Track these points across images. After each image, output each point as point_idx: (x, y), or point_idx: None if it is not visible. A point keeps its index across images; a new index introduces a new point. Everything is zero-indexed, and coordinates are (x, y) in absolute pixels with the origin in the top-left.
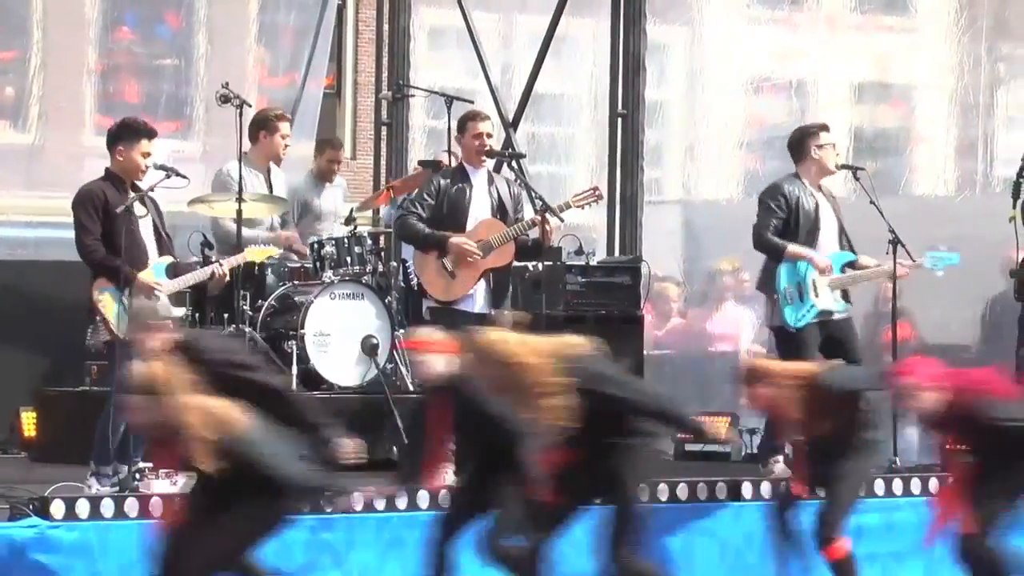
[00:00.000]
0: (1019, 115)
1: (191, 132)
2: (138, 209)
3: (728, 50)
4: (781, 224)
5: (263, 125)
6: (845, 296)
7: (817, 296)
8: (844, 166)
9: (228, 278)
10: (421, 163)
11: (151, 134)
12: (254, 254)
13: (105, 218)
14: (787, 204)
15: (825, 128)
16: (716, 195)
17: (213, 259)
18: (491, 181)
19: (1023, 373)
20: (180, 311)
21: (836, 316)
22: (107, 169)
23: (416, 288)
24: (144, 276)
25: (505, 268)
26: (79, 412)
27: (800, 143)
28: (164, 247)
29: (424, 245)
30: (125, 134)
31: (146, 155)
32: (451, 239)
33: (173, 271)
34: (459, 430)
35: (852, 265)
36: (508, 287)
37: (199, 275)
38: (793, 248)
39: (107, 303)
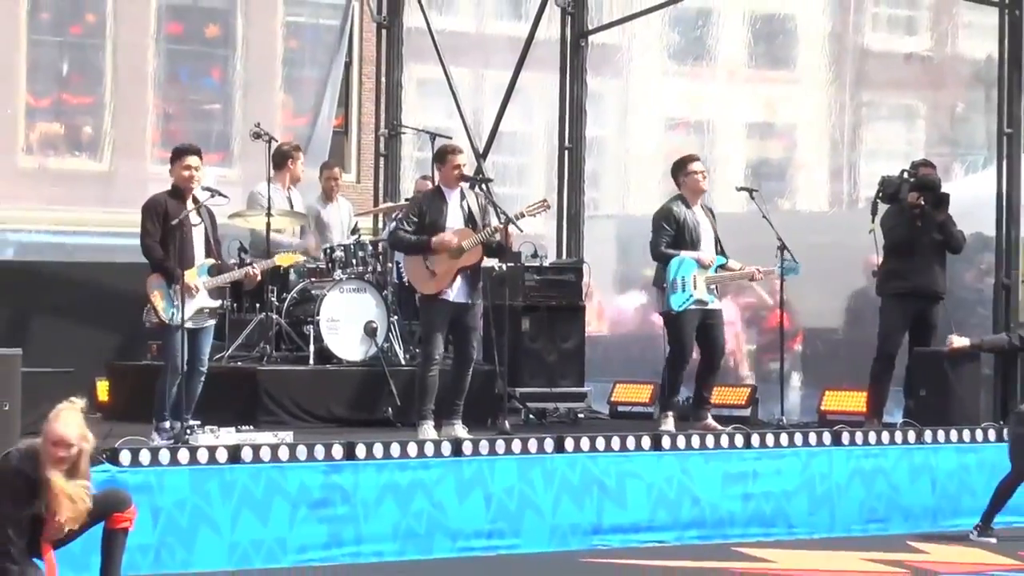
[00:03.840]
0: (877, 148)
1: (232, 161)
2: (193, 218)
3: (649, 97)
4: (671, 239)
5: (288, 155)
6: (716, 291)
7: (696, 288)
8: (742, 188)
9: (260, 278)
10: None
11: (191, 151)
12: (284, 259)
13: (164, 224)
14: (676, 222)
15: (693, 159)
16: (642, 211)
17: (248, 262)
18: (463, 197)
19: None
20: (217, 303)
21: (710, 306)
22: (173, 184)
23: (407, 284)
24: (188, 277)
25: (476, 266)
26: (142, 380)
27: (676, 172)
28: (211, 251)
29: (411, 249)
30: (173, 156)
31: (188, 167)
32: (432, 238)
33: (216, 271)
34: None
35: (723, 267)
36: (480, 280)
37: (235, 275)
38: (684, 253)
39: (158, 294)
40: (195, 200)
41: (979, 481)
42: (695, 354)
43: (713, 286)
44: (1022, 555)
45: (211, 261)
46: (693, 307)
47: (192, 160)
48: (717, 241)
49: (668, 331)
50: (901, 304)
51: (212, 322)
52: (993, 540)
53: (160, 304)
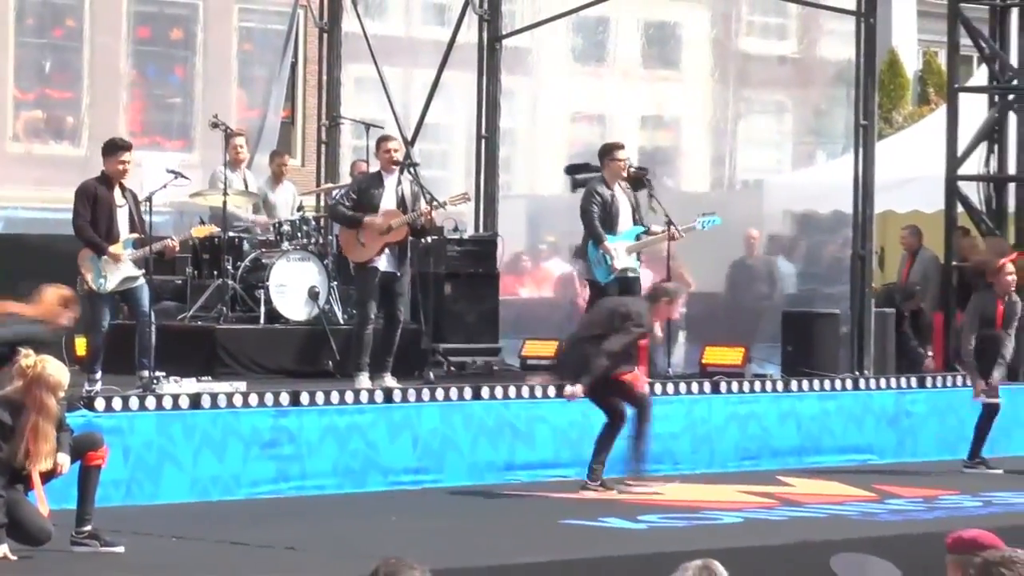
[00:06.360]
0: (753, 138)
1: (193, 148)
2: (119, 200)
3: (555, 93)
4: (600, 212)
5: (226, 141)
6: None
7: (618, 258)
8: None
9: (178, 248)
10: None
11: (127, 147)
12: (199, 231)
13: (94, 206)
14: (601, 200)
15: (618, 147)
16: (548, 192)
17: (172, 237)
18: (399, 183)
19: None
20: (140, 271)
21: (631, 275)
22: (102, 171)
23: (339, 253)
24: (114, 249)
25: (403, 242)
26: (115, 337)
27: (604, 155)
28: (134, 227)
29: (347, 223)
30: (109, 149)
31: (124, 162)
32: (365, 218)
33: (140, 244)
34: None
35: (646, 233)
36: (407, 254)
37: (155, 247)
38: (605, 243)
39: (88, 267)
40: (122, 187)
41: (838, 424)
42: None
43: (635, 253)
44: (876, 487)
45: (134, 235)
46: (619, 277)
47: (127, 156)
48: (635, 212)
49: (593, 296)
50: None
51: (141, 281)
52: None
53: (89, 275)
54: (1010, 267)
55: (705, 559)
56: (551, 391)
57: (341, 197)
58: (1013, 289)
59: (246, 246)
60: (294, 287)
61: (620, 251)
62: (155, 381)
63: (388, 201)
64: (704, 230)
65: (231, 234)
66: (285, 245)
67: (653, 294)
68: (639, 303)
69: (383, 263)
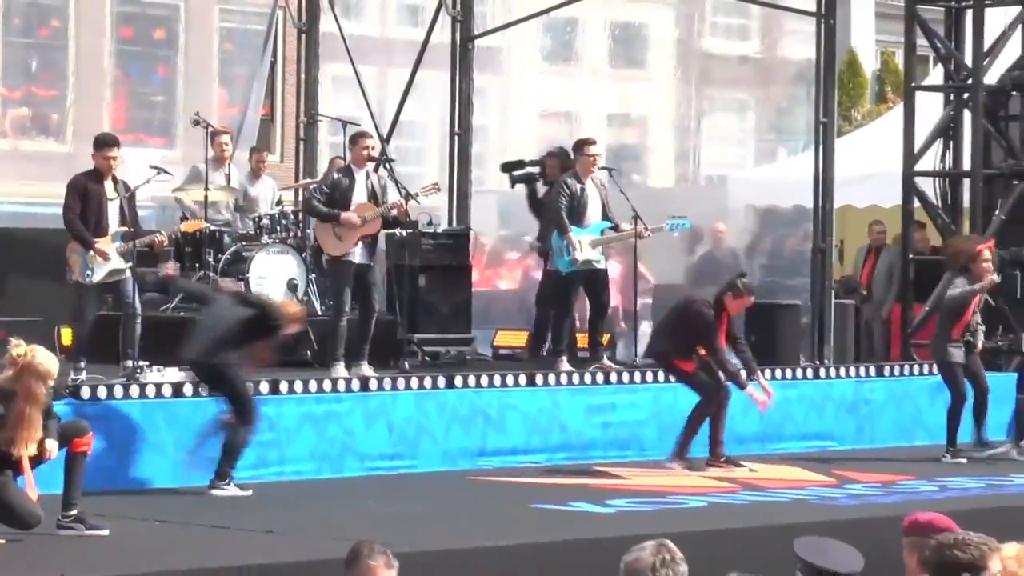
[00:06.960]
0: (716, 135)
1: (175, 144)
2: (110, 193)
3: (525, 92)
4: (567, 204)
5: (211, 138)
6: (604, 252)
7: (581, 251)
8: (602, 168)
9: (167, 243)
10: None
11: (113, 142)
12: (188, 226)
13: (84, 199)
14: (569, 192)
15: (590, 143)
16: (519, 187)
17: (162, 232)
18: (368, 177)
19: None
20: (126, 264)
21: (596, 266)
22: (94, 166)
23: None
24: (101, 244)
25: (375, 235)
26: (98, 328)
27: (576, 149)
28: (124, 221)
29: (324, 219)
30: (97, 144)
31: (109, 157)
32: (342, 215)
33: (130, 237)
34: None
35: (613, 229)
36: (376, 246)
37: (143, 241)
38: (569, 234)
39: (76, 259)
40: (114, 179)
41: (799, 411)
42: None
43: (600, 248)
44: (835, 472)
45: (123, 229)
46: (579, 269)
47: (113, 152)
48: (605, 207)
49: (555, 289)
50: None
51: (127, 274)
52: (963, 460)
53: (77, 267)
54: (987, 253)
55: (659, 539)
56: (522, 379)
57: (313, 191)
58: (990, 276)
59: (227, 240)
60: (273, 279)
61: (584, 243)
62: (139, 370)
63: (359, 195)
64: (672, 232)
65: (212, 228)
66: (265, 239)
67: (721, 289)
68: (700, 298)
69: (357, 256)
